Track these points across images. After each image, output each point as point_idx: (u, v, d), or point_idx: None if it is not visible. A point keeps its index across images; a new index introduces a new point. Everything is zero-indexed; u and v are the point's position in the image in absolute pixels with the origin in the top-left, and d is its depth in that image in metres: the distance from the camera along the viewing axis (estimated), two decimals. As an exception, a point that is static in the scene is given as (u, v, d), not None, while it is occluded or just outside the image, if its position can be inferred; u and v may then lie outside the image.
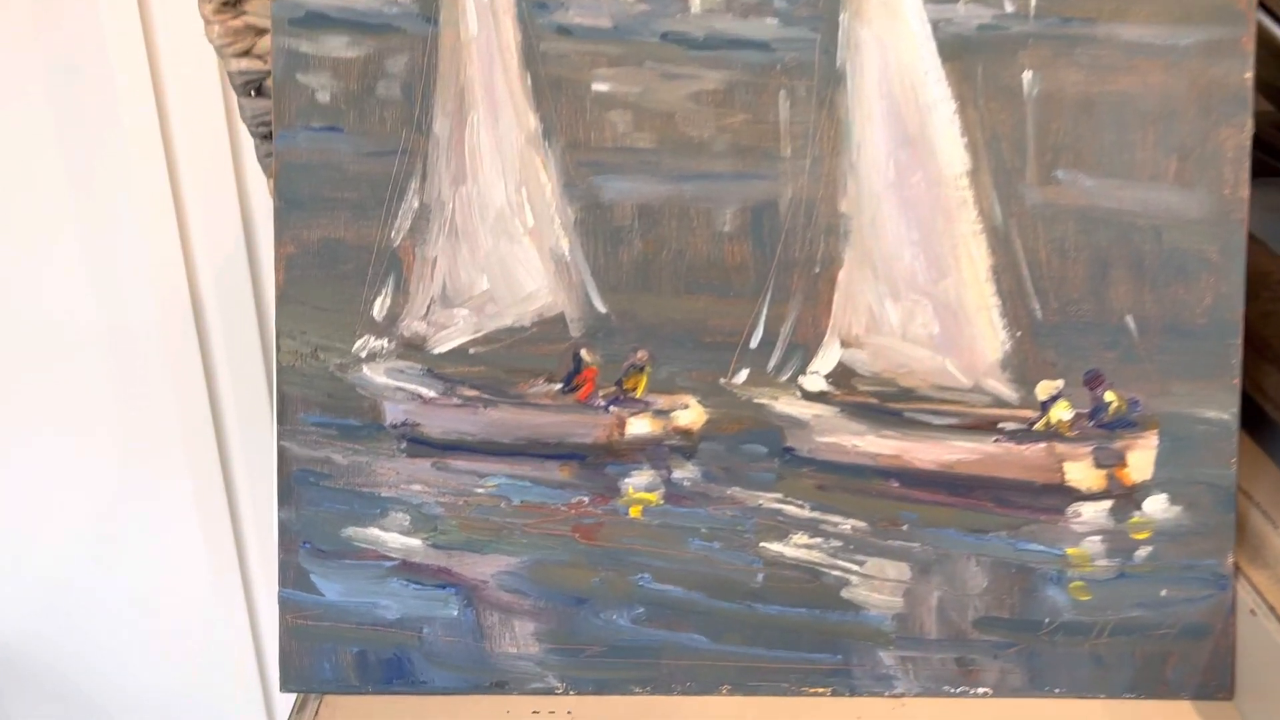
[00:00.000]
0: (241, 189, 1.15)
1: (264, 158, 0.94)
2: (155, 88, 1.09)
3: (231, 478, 1.23)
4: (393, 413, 0.80)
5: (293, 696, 0.81)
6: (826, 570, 0.80)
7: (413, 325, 0.79)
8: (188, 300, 1.16)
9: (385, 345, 0.79)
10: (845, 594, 0.80)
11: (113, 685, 1.32)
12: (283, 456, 0.82)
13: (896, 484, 0.80)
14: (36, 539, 1.25)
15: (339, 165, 0.78)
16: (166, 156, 1.11)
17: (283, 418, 0.82)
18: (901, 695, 0.82)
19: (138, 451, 1.22)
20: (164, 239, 1.12)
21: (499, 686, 0.81)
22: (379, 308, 0.79)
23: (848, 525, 0.80)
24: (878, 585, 0.81)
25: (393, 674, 0.81)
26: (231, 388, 1.21)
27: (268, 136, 0.80)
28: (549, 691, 0.81)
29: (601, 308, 0.79)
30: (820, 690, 0.82)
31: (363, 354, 0.79)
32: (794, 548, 0.81)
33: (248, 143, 1.09)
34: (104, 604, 1.29)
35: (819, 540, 0.80)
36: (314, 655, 0.81)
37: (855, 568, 0.80)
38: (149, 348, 1.18)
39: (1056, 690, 0.83)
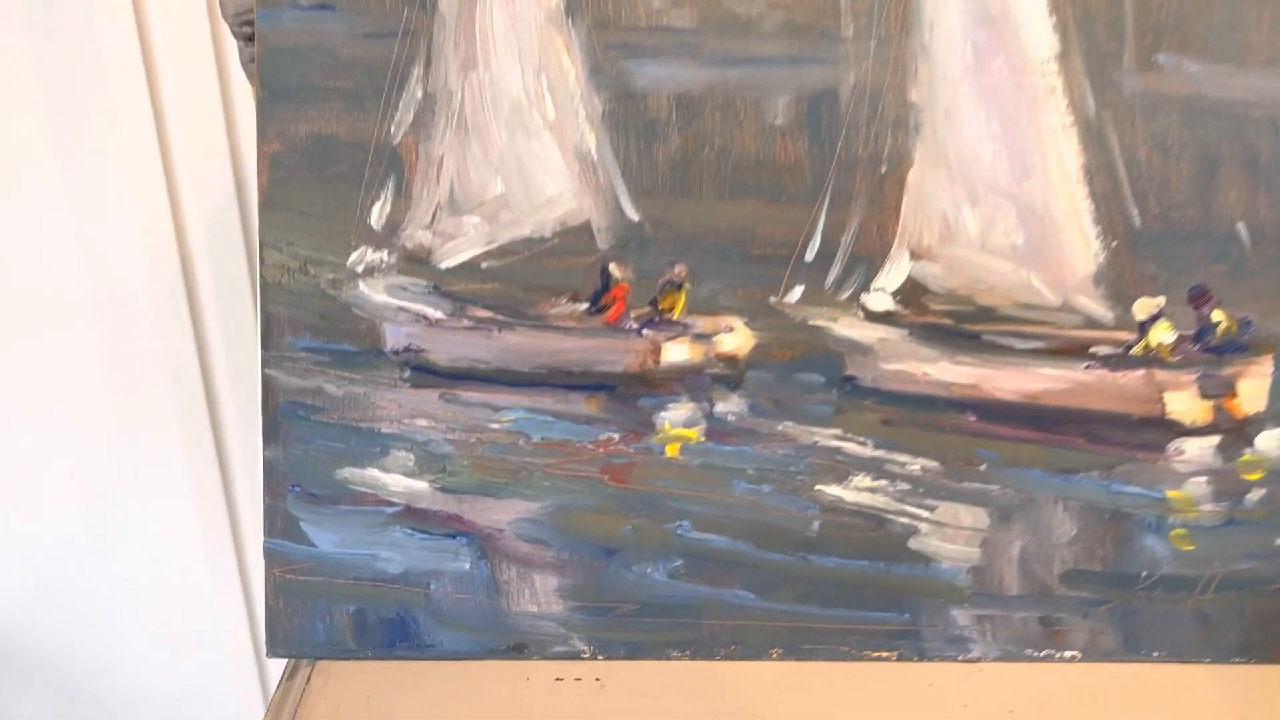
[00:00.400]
0: (233, 138, 1.05)
1: (248, 63, 0.84)
2: (141, 36, 1.00)
3: (224, 445, 1.16)
4: (394, 336, 0.72)
5: (282, 663, 0.76)
6: (892, 517, 0.74)
7: (416, 235, 0.72)
8: (177, 259, 1.08)
9: (385, 258, 0.72)
10: (913, 544, 0.74)
11: (101, 662, 1.26)
12: (268, 387, 0.73)
13: (973, 417, 0.72)
14: (24, 514, 1.19)
15: (331, 49, 0.70)
16: (153, 108, 1.03)
17: (268, 342, 0.73)
18: (978, 659, 0.74)
19: (129, 424, 1.14)
20: (151, 196, 1.05)
21: (517, 650, 0.75)
22: (377, 215, 0.71)
23: (916, 465, 0.73)
24: (951, 534, 0.74)
25: (395, 636, 0.74)
26: (224, 352, 1.13)
27: (252, 38, 0.72)
28: (574, 656, 0.74)
29: (633, 215, 0.71)
30: (884, 654, 0.74)
31: (359, 268, 0.72)
32: (854, 491, 0.74)
33: (238, 88, 1.00)
34: (94, 582, 1.23)
35: (883, 482, 0.73)
36: (305, 615, 0.75)
37: (925, 514, 0.74)
38: (139, 313, 1.10)
39: (1155, 654, 0.75)
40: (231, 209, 1.03)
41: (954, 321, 0.72)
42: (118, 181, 1.01)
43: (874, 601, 0.74)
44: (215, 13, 0.94)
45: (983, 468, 0.73)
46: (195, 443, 1.13)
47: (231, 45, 0.95)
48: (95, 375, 1.11)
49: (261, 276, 0.72)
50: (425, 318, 0.72)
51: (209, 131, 1.00)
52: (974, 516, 0.74)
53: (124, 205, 1.02)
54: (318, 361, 0.73)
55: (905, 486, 0.74)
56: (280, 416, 0.73)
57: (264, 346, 0.72)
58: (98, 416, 1.13)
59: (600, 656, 0.75)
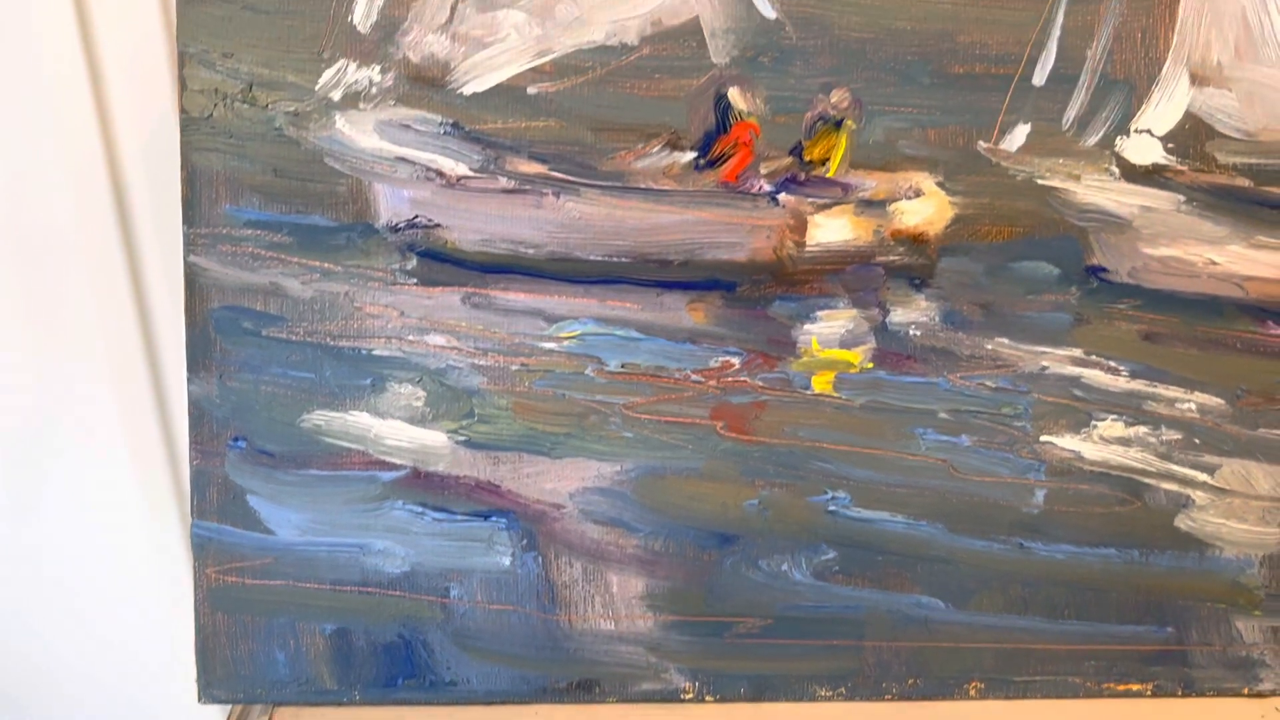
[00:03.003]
0: (170, 33, 0.90)
1: None
2: None
3: (161, 376, 1.00)
4: (392, 204, 0.56)
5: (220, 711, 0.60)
6: (1153, 482, 0.59)
7: (425, 41, 0.54)
8: (108, 185, 0.94)
9: (375, 79, 0.55)
10: (1183, 523, 0.59)
11: (16, 648, 1.07)
12: (193, 284, 0.58)
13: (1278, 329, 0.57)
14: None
15: None
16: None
17: (192, 214, 0.55)
18: (1273, 693, 0.60)
19: (55, 360, 1.02)
20: (76, 109, 0.88)
21: (584, 689, 0.60)
22: (364, 9, 0.54)
23: (1191, 403, 0.58)
24: (1237, 507, 0.59)
25: (397, 669, 0.60)
26: (162, 275, 0.98)
27: None
28: (671, 696, 0.60)
29: (768, 10, 0.54)
30: (1136, 686, 0.60)
31: (335, 94, 0.55)
32: (1099, 444, 0.58)
33: None
34: (14, 551, 1.06)
35: (1142, 430, 0.59)
36: (257, 639, 0.59)
37: (1201, 476, 0.58)
38: (64, 236, 0.93)
39: None
40: (171, 124, 0.91)
41: (1254, 182, 0.56)
42: (34, 88, 0.86)
43: (1123, 609, 0.60)
44: None
45: (1293, 406, 0.56)
46: (129, 378, 1.00)
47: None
48: (12, 312, 0.98)
49: (181, 108, 0.55)
50: (440, 173, 0.56)
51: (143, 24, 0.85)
52: (1275, 480, 0.58)
53: (42, 117, 0.88)
54: (272, 244, 0.55)
55: (1174, 435, 0.58)
56: (214, 330, 0.56)
57: (186, 221, 0.57)
58: (19, 352, 0.97)
59: (710, 696, 0.60)
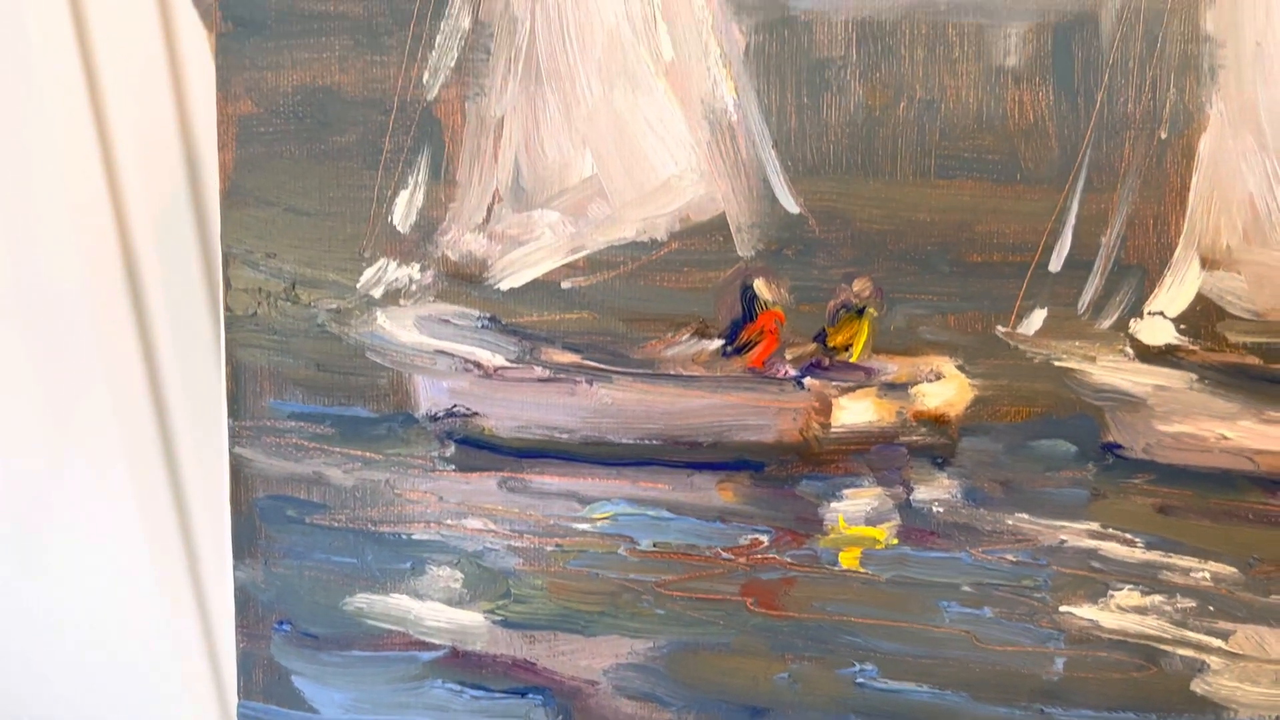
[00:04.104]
0: (183, 114, 0.95)
1: None
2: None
3: (176, 462, 1.08)
4: (431, 394, 0.58)
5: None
6: (1170, 648, 0.59)
7: (463, 240, 0.57)
8: (119, 257, 1.00)
9: (415, 276, 0.57)
10: (1199, 687, 0.60)
11: (28, 699, 1.19)
12: (239, 474, 0.60)
13: None
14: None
15: None
16: (84, 66, 0.93)
17: (237, 407, 0.57)
18: None
19: (67, 440, 1.08)
20: (89, 180, 0.95)
21: None
22: (403, 210, 0.56)
23: (1205, 572, 0.59)
24: (1251, 671, 0.59)
25: None
26: (176, 358, 1.03)
27: None
28: None
29: (791, 205, 0.56)
30: None
31: (376, 292, 0.57)
32: (1117, 613, 0.59)
33: (188, 33, 0.90)
34: (27, 611, 1.14)
35: (1158, 598, 0.59)
36: None
37: (1216, 642, 0.59)
38: (76, 320, 1.02)
39: None
40: (183, 198, 0.96)
41: (1263, 360, 0.57)
42: (47, 162, 0.92)
43: (1142, 777, 0.60)
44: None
45: (1306, 575, 0.59)
46: (140, 461, 1.06)
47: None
48: (26, 386, 1.05)
49: (226, 306, 0.57)
50: (478, 365, 0.57)
51: (153, 95, 0.90)
52: (1289, 645, 0.59)
53: (55, 192, 0.94)
54: (315, 435, 0.58)
55: (1189, 603, 0.58)
56: (259, 519, 0.58)
57: (232, 414, 0.58)
58: (30, 429, 1.07)
59: None
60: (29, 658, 1.18)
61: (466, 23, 0.53)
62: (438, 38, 0.53)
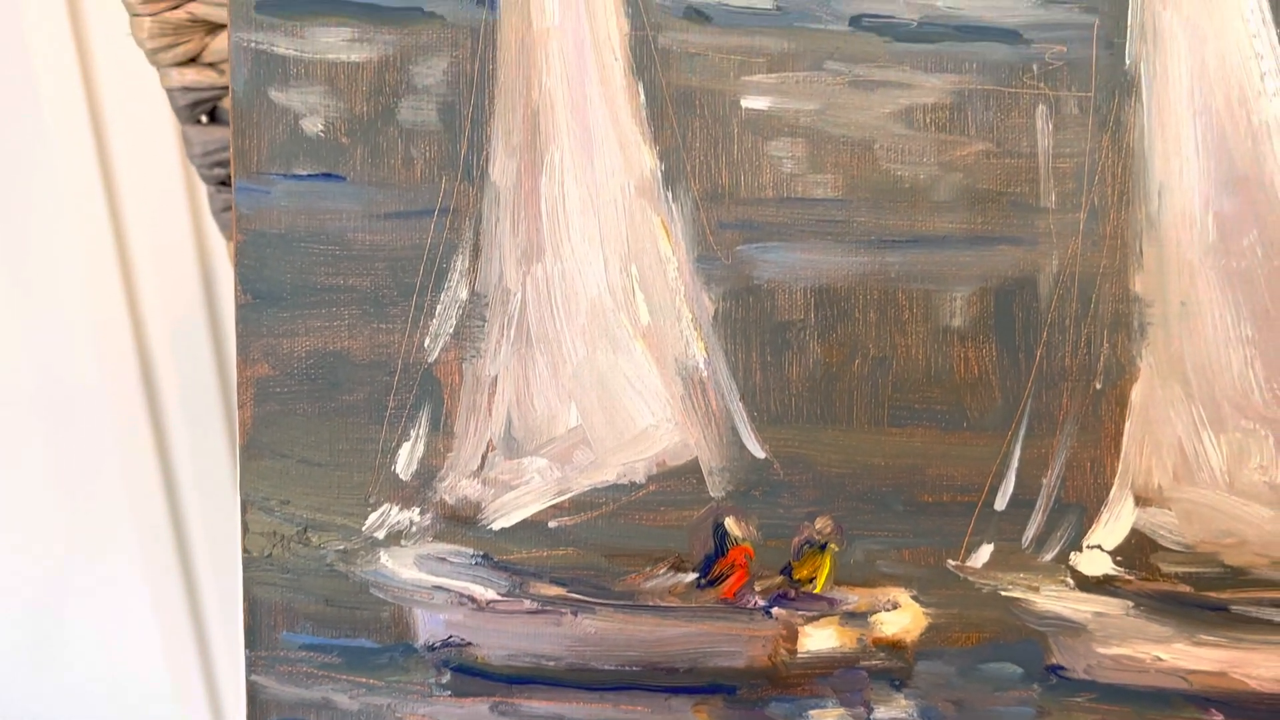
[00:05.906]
0: (198, 227, 1.00)
1: (220, 211, 0.78)
2: (91, 112, 0.94)
3: (191, 561, 1.11)
4: (429, 626, 0.60)
5: None
6: None
7: (460, 486, 0.60)
8: (136, 364, 1.04)
9: (416, 519, 0.60)
10: None
11: None
12: (255, 699, 0.61)
13: (1220, 717, 0.60)
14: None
15: (339, 235, 0.58)
16: (106, 193, 0.97)
17: (254, 639, 0.60)
18: None
19: (80, 541, 1.11)
20: (106, 287, 0.99)
21: None
22: (405, 460, 0.59)
23: None
24: None
25: None
26: (190, 456, 1.07)
27: (226, 182, 0.66)
28: None
29: (758, 451, 0.60)
30: None
31: (380, 534, 0.60)
32: None
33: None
34: (40, 713, 1.17)
35: None
36: None
37: None
38: (93, 422, 1.05)
39: None
40: (198, 307, 1.00)
41: (1194, 589, 0.60)
42: (69, 275, 0.98)
43: None
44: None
45: (1239, 789, 0.61)
46: (158, 565, 1.09)
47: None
48: (43, 485, 1.07)
49: (244, 548, 0.60)
50: (472, 599, 0.60)
51: (170, 221, 0.96)
52: None
53: (75, 304, 0.99)
54: (324, 664, 0.59)
55: None
56: None
57: (249, 645, 0.61)
58: (45, 530, 1.09)
59: None
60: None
61: (464, 294, 0.57)
62: (438, 307, 0.57)
